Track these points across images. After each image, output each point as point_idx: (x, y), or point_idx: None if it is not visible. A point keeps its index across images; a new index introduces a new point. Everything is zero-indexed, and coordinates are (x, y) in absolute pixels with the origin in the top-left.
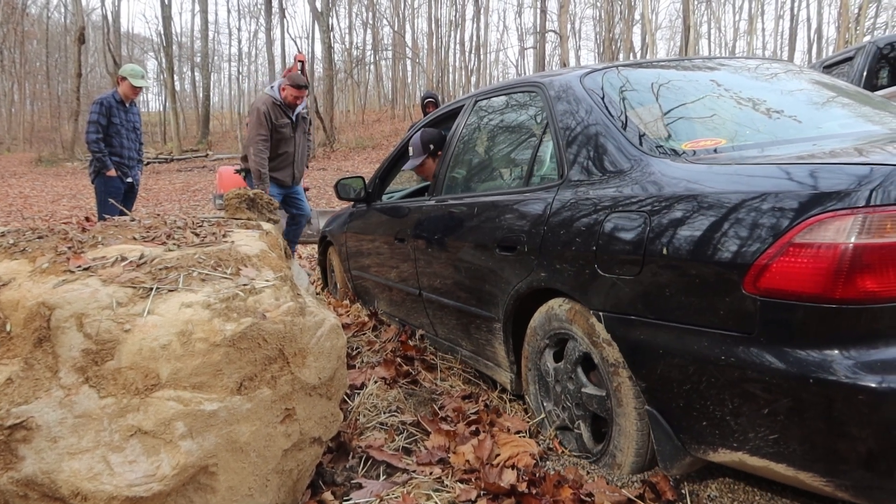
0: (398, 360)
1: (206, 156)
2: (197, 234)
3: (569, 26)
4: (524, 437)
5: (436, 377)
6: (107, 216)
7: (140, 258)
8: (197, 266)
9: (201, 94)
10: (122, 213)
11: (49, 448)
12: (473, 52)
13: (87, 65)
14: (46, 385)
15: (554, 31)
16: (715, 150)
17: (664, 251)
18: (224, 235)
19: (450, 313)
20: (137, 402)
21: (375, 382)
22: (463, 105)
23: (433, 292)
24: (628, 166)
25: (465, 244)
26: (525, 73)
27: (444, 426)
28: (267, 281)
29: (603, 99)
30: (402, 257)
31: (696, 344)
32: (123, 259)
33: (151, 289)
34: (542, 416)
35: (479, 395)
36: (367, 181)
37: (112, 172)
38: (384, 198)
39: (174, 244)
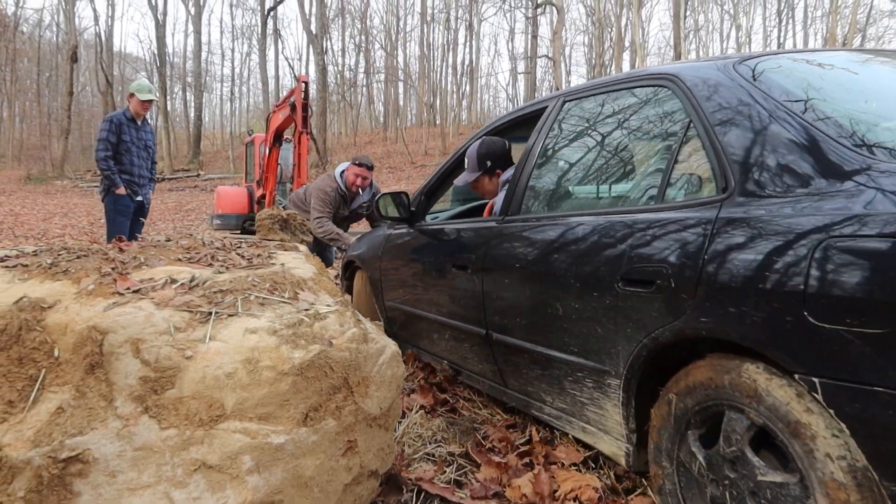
0: (433, 386)
1: (198, 175)
2: (242, 256)
3: (560, 51)
4: (580, 470)
5: (473, 405)
6: (117, 235)
7: (191, 280)
8: (252, 289)
9: (193, 114)
10: (133, 233)
11: (107, 483)
12: (465, 75)
13: (79, 83)
14: (102, 415)
15: (547, 56)
16: None
17: None
18: (269, 257)
19: (533, 361)
20: (201, 435)
21: (417, 411)
22: (545, 107)
23: (508, 333)
24: (848, 175)
25: (566, 276)
26: (518, 98)
27: (494, 458)
28: (328, 306)
29: (776, 91)
30: (463, 289)
31: None
32: (174, 281)
33: (210, 313)
34: None
35: (525, 424)
36: (410, 198)
37: (121, 190)
38: (428, 218)
39: (222, 266)
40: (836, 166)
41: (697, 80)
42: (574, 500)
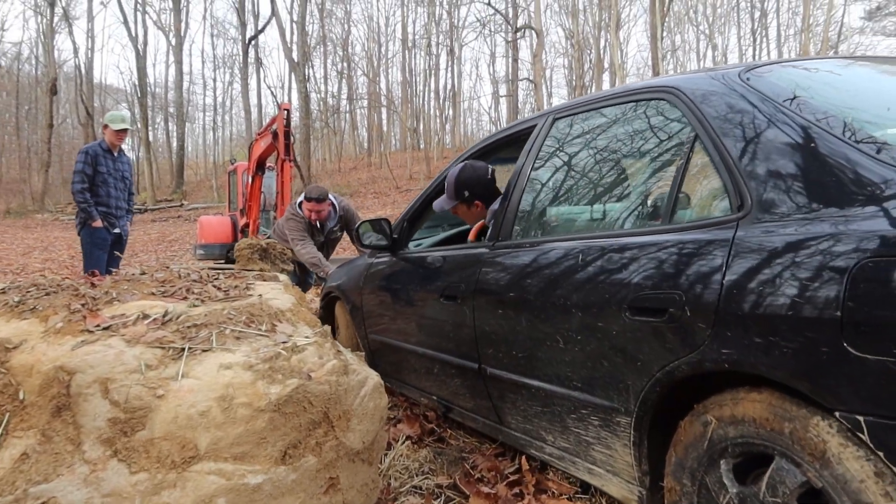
0: (420, 416)
1: (181, 205)
2: (219, 288)
3: (541, 74)
4: (571, 500)
5: (461, 433)
6: (93, 269)
7: (164, 315)
8: (228, 322)
9: (175, 144)
10: (108, 267)
11: None
12: (448, 100)
13: (59, 116)
14: (69, 460)
15: (528, 80)
16: None
17: None
18: (247, 288)
19: (531, 397)
20: (174, 478)
21: (403, 442)
22: (534, 125)
23: (503, 368)
24: (882, 190)
25: (566, 305)
26: (500, 121)
27: (484, 488)
28: (307, 338)
29: (792, 101)
30: (453, 320)
31: None
32: (146, 316)
33: (183, 349)
34: None
35: (515, 452)
36: (392, 225)
37: (97, 223)
38: (412, 245)
39: (197, 299)
40: (866, 181)
41: (701, 91)
42: None
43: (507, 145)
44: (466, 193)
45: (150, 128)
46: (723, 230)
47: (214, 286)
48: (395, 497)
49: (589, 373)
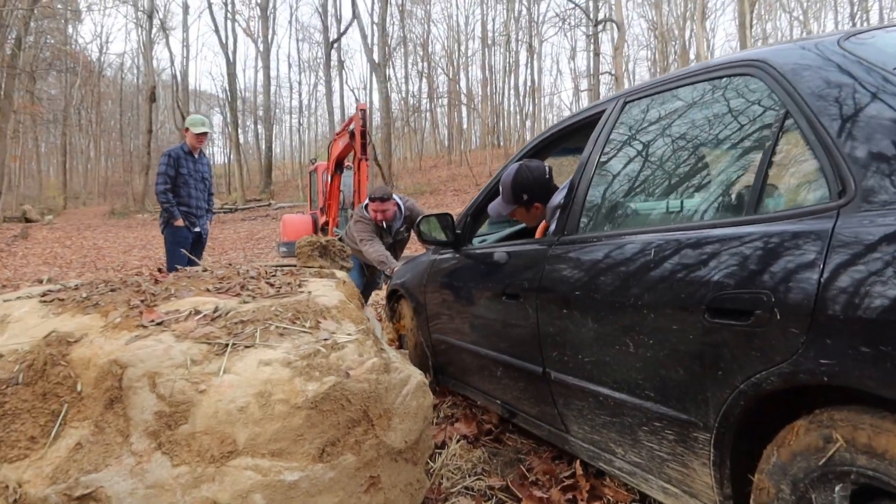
0: (479, 415)
1: (269, 205)
2: (272, 285)
3: (623, 67)
4: None
5: (519, 433)
6: (176, 266)
7: (214, 311)
8: (274, 319)
9: (264, 146)
10: (191, 263)
11: None
12: (528, 96)
13: (158, 121)
14: (117, 451)
15: (609, 73)
16: None
17: None
18: (299, 285)
19: (599, 406)
20: (213, 472)
21: (458, 441)
22: (602, 111)
23: (568, 372)
24: None
25: (636, 305)
26: None
27: (537, 492)
28: (349, 335)
29: None
30: (516, 321)
31: None
32: (197, 312)
33: (227, 345)
34: None
35: (572, 455)
36: (455, 220)
37: (179, 222)
38: (476, 241)
39: (249, 296)
40: None
41: (793, 63)
42: None
43: (573, 134)
44: (525, 197)
45: (240, 130)
46: (819, 220)
47: (268, 283)
48: (446, 497)
49: (662, 381)
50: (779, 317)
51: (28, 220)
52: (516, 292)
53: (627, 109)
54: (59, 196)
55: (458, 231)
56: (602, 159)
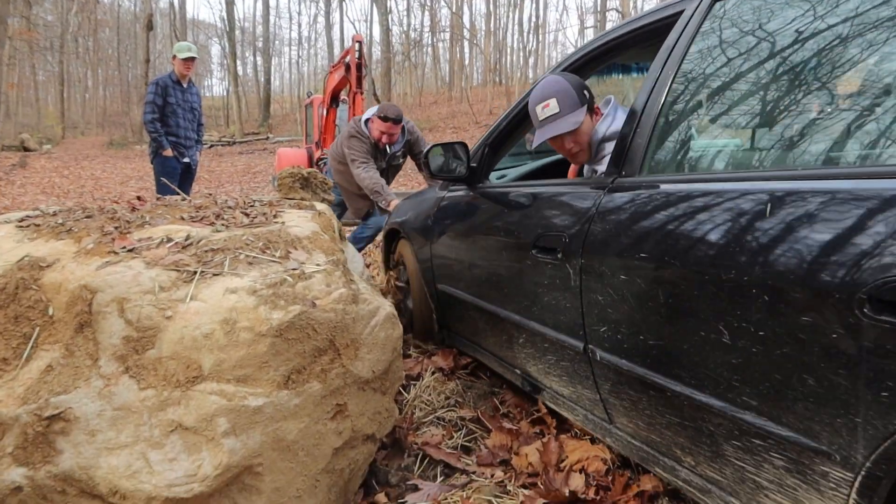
0: (455, 350)
1: (267, 139)
2: (247, 215)
3: (630, 4)
4: (594, 442)
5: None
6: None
7: (186, 239)
8: (244, 248)
9: (262, 78)
10: (176, 194)
11: (87, 442)
12: (532, 32)
13: (156, 51)
14: (86, 374)
15: (616, 10)
16: None
17: None
18: (275, 216)
19: (663, 402)
20: (178, 396)
21: (433, 374)
22: (678, 13)
23: (620, 354)
24: None
25: (740, 281)
26: None
27: (507, 424)
28: (318, 265)
29: None
30: (549, 281)
31: None
32: (169, 240)
33: (195, 272)
34: None
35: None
36: (469, 151)
37: (168, 152)
38: (493, 177)
39: (222, 225)
40: None
41: None
42: (580, 472)
43: (628, 47)
44: (587, 94)
45: (238, 62)
46: None
47: (243, 213)
48: (417, 427)
49: (775, 389)
50: None
51: (26, 149)
52: (552, 246)
53: (718, 8)
54: (58, 125)
55: (473, 164)
56: (680, 75)
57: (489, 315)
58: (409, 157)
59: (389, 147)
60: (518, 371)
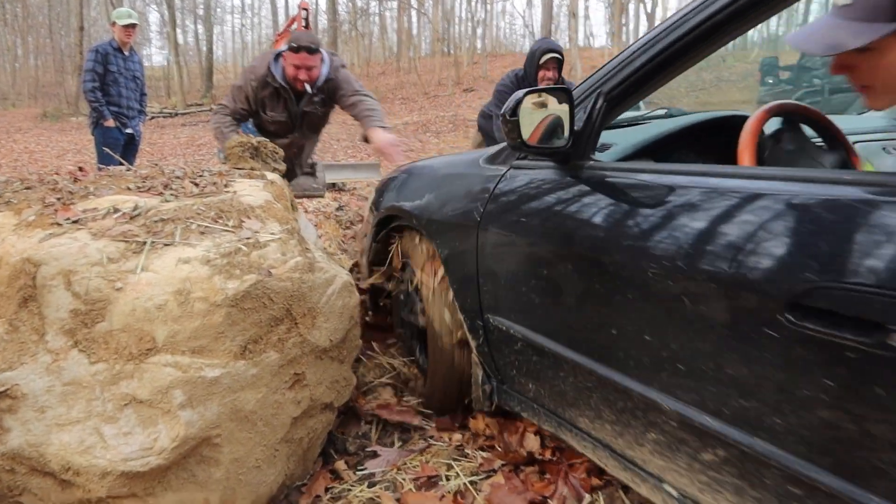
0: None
1: (211, 110)
2: (196, 184)
3: None
4: None
5: None
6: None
7: (134, 210)
8: (196, 218)
9: (204, 48)
10: (119, 164)
11: (36, 419)
12: (480, 2)
13: (90, 18)
14: (32, 349)
15: None
16: None
17: None
18: (226, 185)
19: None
20: (131, 369)
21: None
22: None
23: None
24: None
25: None
26: (533, 25)
27: None
28: (272, 234)
29: None
30: (751, 346)
31: None
32: (116, 211)
33: (145, 243)
34: None
35: None
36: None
37: (110, 122)
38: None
39: (171, 195)
40: None
41: None
42: (535, 434)
43: None
44: None
45: (178, 30)
46: None
47: (193, 182)
48: (367, 391)
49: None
50: None
51: None
52: (855, 314)
53: None
54: None
55: (577, 129)
56: None
57: (590, 375)
58: (338, 109)
59: (310, 87)
60: (653, 476)
